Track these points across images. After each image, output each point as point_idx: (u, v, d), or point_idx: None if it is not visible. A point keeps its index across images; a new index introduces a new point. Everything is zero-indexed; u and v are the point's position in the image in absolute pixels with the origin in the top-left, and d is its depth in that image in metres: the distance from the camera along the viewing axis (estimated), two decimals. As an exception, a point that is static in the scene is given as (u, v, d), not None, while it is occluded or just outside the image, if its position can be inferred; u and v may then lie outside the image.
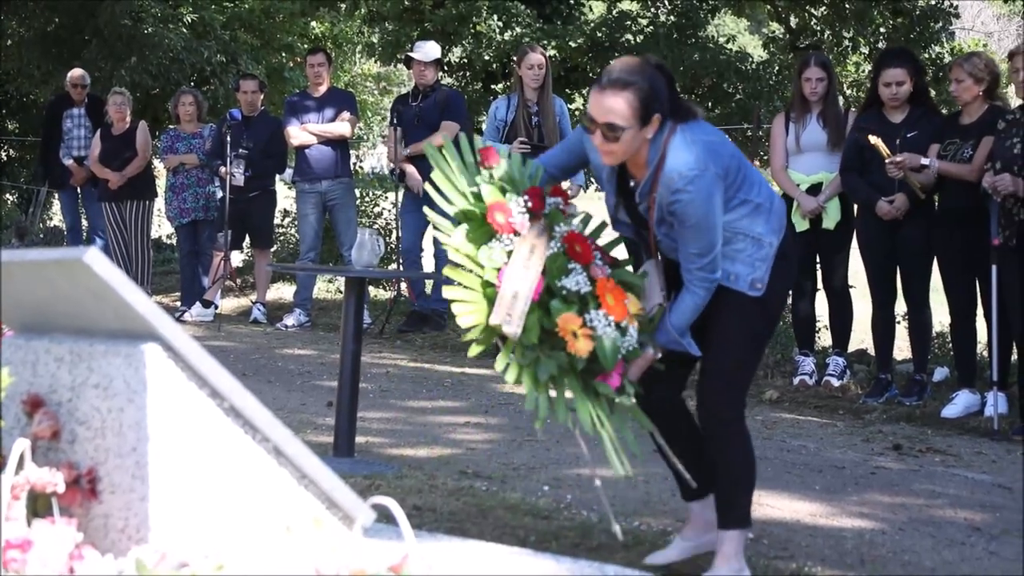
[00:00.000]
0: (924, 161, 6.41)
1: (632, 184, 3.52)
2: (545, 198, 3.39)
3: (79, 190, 11.25)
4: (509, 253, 3.25)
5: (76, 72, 11.28)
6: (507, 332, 3.17)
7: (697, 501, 3.78)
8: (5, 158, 19.81)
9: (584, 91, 15.14)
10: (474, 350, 3.26)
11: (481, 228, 3.29)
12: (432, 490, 4.42)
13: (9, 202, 20.02)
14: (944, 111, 7.54)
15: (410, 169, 8.81)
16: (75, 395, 2.50)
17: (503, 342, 3.23)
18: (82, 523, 2.43)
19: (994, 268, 6.16)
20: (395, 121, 8.97)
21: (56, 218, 18.08)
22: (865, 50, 14.36)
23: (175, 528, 2.35)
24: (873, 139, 6.45)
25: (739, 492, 3.59)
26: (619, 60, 3.53)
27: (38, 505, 2.42)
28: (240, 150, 9.36)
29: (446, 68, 13.73)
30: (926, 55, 13.12)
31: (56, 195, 15.94)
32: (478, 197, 3.35)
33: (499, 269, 3.22)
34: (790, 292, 5.30)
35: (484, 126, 8.50)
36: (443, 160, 3.43)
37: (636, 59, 3.49)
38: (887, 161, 6.43)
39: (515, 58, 8.74)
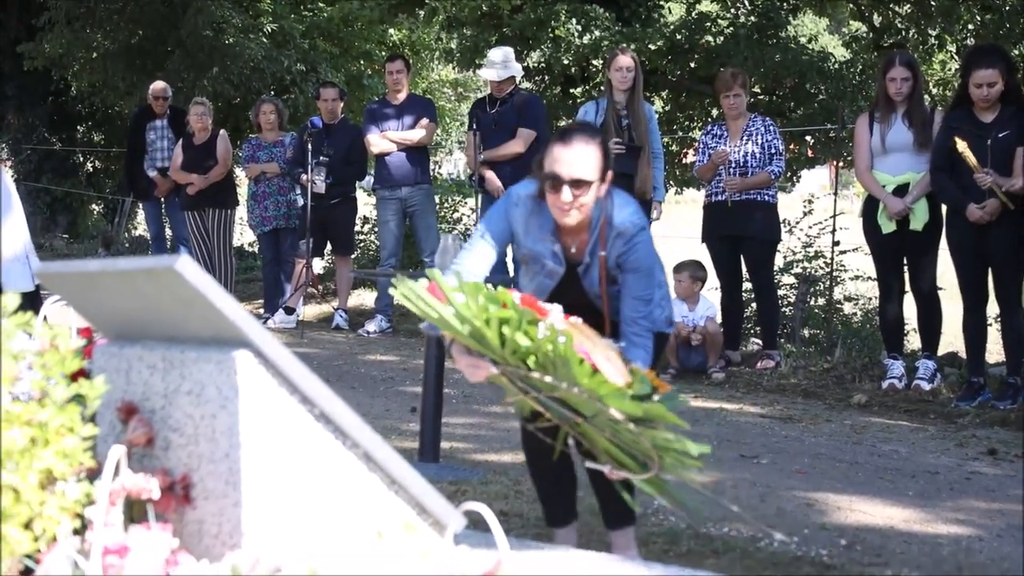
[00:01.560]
0: (1016, 183, 6.28)
1: (566, 249, 3.56)
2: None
3: (163, 201, 11.42)
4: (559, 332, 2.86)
5: (158, 85, 11.45)
6: (624, 381, 2.98)
7: (564, 527, 3.78)
8: (91, 169, 20.18)
9: (664, 94, 15.06)
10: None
11: (519, 323, 2.87)
12: (518, 496, 4.40)
13: (95, 212, 20.39)
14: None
15: (489, 174, 8.81)
16: (168, 402, 2.51)
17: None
18: (177, 529, 2.44)
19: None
20: (474, 126, 8.97)
21: (141, 227, 18.39)
22: (952, 48, 14.10)
23: (268, 533, 2.36)
24: (961, 147, 6.32)
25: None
26: (575, 123, 3.58)
27: (134, 511, 2.44)
28: (321, 157, 9.43)
29: (524, 73, 13.72)
30: (1017, 52, 12.83)
31: (140, 205, 16.26)
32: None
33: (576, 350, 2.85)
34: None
35: None
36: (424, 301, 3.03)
37: (588, 123, 3.56)
38: (975, 176, 6.32)
39: (603, 62, 8.69)
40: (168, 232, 12.22)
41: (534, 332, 2.78)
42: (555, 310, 2.87)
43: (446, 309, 2.89)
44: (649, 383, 2.94)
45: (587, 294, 3.56)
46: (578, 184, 3.34)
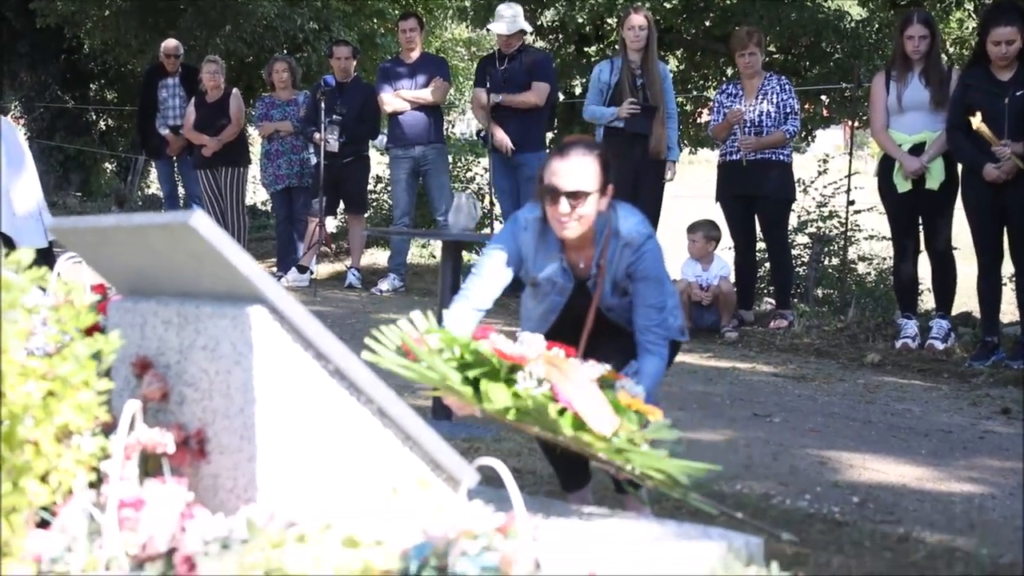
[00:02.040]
0: None
1: (573, 265, 3.57)
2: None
3: (175, 159, 11.41)
4: (540, 381, 2.83)
5: (170, 43, 11.40)
6: (609, 430, 2.85)
7: (578, 491, 3.80)
8: (104, 128, 20.16)
9: (678, 53, 14.97)
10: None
11: (492, 375, 2.84)
12: (531, 453, 4.41)
13: (108, 170, 20.38)
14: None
15: (498, 131, 8.77)
16: (183, 357, 2.52)
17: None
18: (192, 483, 2.46)
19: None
20: (484, 83, 8.93)
21: (154, 186, 18.39)
22: (969, 6, 13.97)
23: (283, 488, 2.37)
24: (976, 123, 6.27)
25: None
26: (575, 137, 3.59)
27: (149, 465, 2.45)
28: (334, 116, 9.40)
29: (537, 32, 13.63)
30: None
31: (153, 164, 16.18)
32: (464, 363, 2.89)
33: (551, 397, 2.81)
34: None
35: (588, 90, 8.39)
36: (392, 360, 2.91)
37: (589, 136, 3.57)
38: (993, 149, 6.28)
39: (617, 20, 8.62)
40: (181, 191, 12.22)
41: (512, 385, 2.78)
42: (535, 345, 2.84)
43: (422, 366, 2.84)
44: (638, 417, 2.94)
45: (599, 308, 3.57)
46: (575, 195, 3.37)
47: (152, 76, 11.47)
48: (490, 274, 3.57)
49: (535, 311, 3.67)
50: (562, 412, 2.77)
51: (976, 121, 6.28)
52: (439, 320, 3.68)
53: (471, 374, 2.81)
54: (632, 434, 2.89)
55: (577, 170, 3.38)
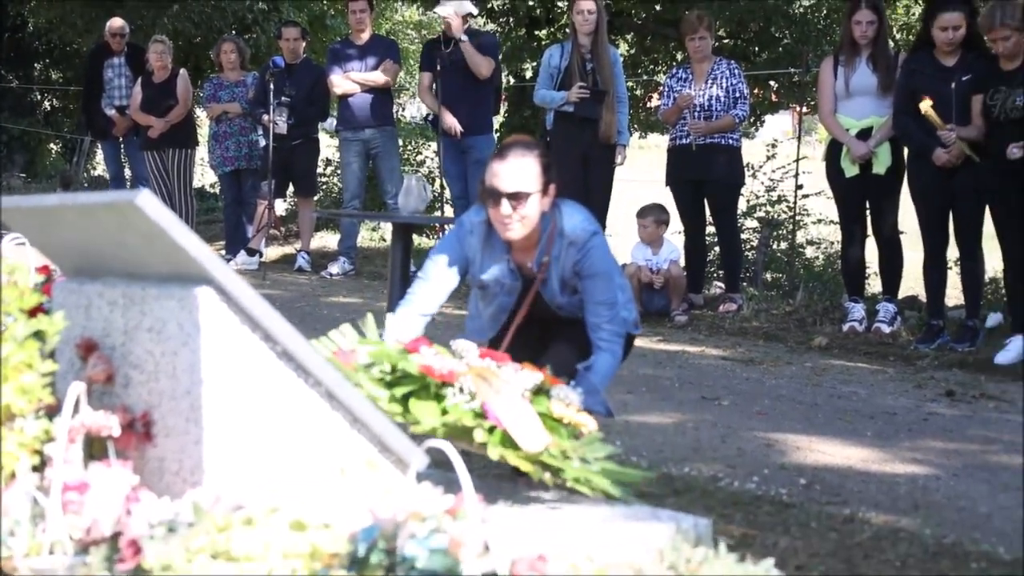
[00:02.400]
0: (972, 132, 6.32)
1: (520, 266, 3.59)
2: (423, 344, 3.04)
3: (121, 140, 11.29)
4: (472, 395, 2.84)
5: (115, 22, 11.26)
6: (538, 448, 2.85)
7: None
8: (49, 108, 19.90)
9: (629, 37, 15.00)
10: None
11: (422, 391, 2.85)
12: (481, 436, 4.40)
13: (53, 151, 20.13)
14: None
15: (447, 115, 8.74)
16: (128, 339, 2.49)
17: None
18: (137, 466, 2.43)
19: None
20: (430, 67, 8.90)
21: (100, 167, 18.18)
22: (916, -8, 14.11)
23: (230, 471, 2.35)
24: (925, 107, 6.33)
25: None
26: (514, 137, 3.57)
27: (94, 448, 2.43)
28: (283, 98, 9.33)
29: (488, 15, 13.60)
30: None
31: (99, 145, 16.02)
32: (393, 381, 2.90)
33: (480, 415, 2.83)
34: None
35: (539, 74, 8.38)
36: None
37: (527, 136, 3.58)
38: (939, 133, 6.34)
39: (567, 4, 8.62)
40: (128, 172, 12.09)
41: (443, 401, 2.80)
42: (469, 354, 2.85)
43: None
44: (570, 431, 2.96)
45: (549, 306, 3.58)
46: (516, 196, 3.38)
47: (98, 55, 11.34)
48: (436, 278, 3.60)
49: (485, 312, 3.69)
50: (492, 430, 2.77)
51: (925, 105, 6.34)
52: (391, 310, 3.68)
53: (398, 392, 2.81)
54: (563, 448, 2.91)
55: (517, 172, 3.39)
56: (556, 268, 3.53)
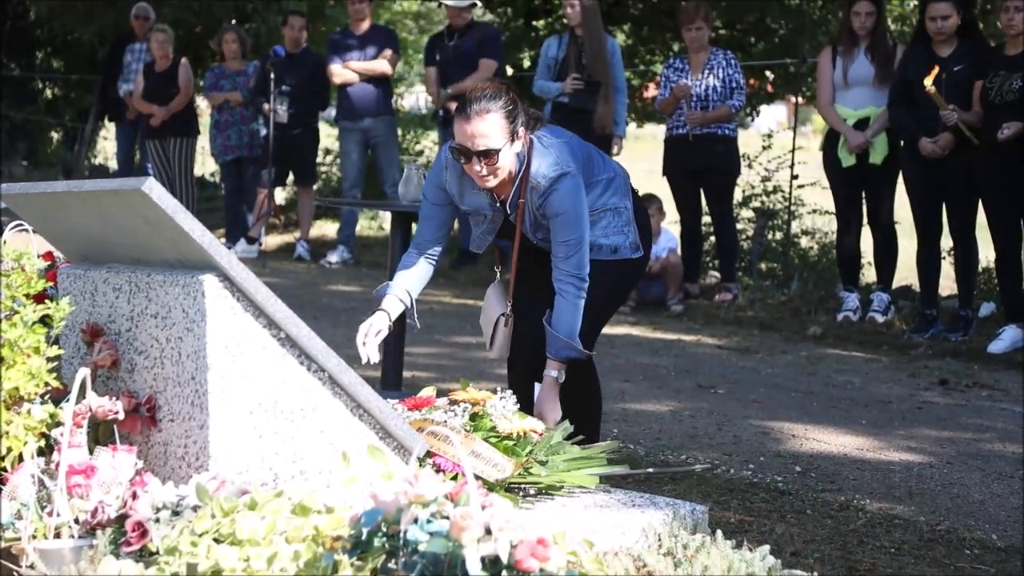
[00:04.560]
0: (970, 117, 6.36)
1: (499, 201, 3.63)
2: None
3: (135, 124, 11.21)
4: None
5: (141, 5, 11.19)
6: (508, 473, 2.95)
7: None
8: (50, 96, 19.87)
9: (626, 27, 14.99)
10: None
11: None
12: (479, 423, 4.44)
13: (55, 139, 20.11)
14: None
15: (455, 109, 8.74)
16: (134, 325, 2.53)
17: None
18: (142, 450, 2.47)
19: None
20: (434, 60, 8.91)
21: (101, 156, 18.16)
22: (913, -16, 14.10)
23: (234, 455, 2.39)
24: (928, 84, 6.35)
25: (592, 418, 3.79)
26: (475, 87, 3.52)
27: (99, 433, 2.46)
28: (284, 87, 9.34)
29: (486, 5, 13.59)
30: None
31: (100, 133, 15.95)
32: None
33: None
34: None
35: (538, 65, 8.39)
36: None
37: (489, 82, 3.56)
38: (941, 113, 6.37)
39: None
40: (138, 158, 12.02)
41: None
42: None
43: None
44: (525, 441, 3.03)
45: (530, 239, 3.62)
46: (486, 154, 3.40)
47: (122, 40, 11.29)
48: (430, 216, 3.71)
49: (476, 231, 3.74)
50: (455, 478, 2.78)
51: (928, 83, 6.36)
52: (390, 276, 3.76)
53: None
54: (525, 466, 2.97)
55: (482, 130, 3.39)
56: (528, 210, 3.57)
